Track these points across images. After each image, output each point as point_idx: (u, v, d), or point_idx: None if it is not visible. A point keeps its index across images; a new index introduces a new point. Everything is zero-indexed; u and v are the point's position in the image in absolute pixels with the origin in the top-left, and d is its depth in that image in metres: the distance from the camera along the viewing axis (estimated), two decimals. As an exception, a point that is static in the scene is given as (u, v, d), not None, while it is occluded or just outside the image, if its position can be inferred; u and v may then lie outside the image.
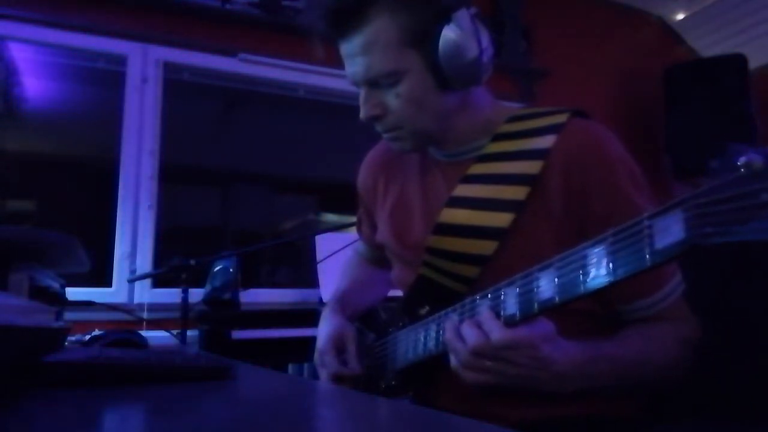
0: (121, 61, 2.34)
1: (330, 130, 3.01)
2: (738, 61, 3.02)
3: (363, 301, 1.09)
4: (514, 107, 0.91)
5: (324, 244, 2.22)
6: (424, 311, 0.83)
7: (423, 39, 0.76)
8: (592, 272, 0.55)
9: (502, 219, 0.77)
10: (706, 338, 0.75)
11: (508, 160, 0.80)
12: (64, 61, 2.34)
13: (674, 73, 3.18)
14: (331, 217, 2.56)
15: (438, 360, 0.77)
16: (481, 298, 0.69)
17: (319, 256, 2.23)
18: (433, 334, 0.77)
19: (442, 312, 0.77)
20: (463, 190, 0.83)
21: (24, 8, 2.14)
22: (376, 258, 1.13)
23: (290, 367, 2.10)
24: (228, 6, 2.44)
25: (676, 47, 3.70)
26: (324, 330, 0.97)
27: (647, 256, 0.50)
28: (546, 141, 0.77)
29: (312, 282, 2.30)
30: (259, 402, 0.56)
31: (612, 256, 0.53)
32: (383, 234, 0.97)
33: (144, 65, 2.35)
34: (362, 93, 0.82)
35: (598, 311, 0.78)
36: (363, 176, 1.05)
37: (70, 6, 2.22)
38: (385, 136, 0.86)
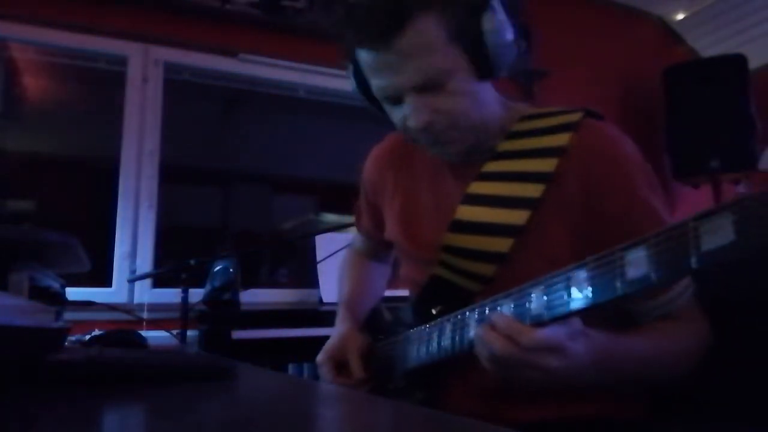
0: (121, 61, 2.34)
1: (330, 130, 3.01)
2: (738, 61, 3.02)
3: (368, 301, 1.09)
4: (523, 106, 0.90)
5: (324, 244, 2.22)
6: (436, 311, 0.82)
7: (467, 30, 0.74)
8: (630, 274, 0.52)
9: (518, 216, 0.76)
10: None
11: (523, 158, 0.80)
12: (64, 61, 2.34)
13: (674, 73, 3.18)
14: (331, 217, 2.56)
15: (449, 361, 0.77)
16: (505, 298, 0.67)
17: (319, 256, 2.23)
18: (448, 333, 0.75)
19: (458, 312, 0.75)
20: (478, 188, 0.82)
21: (24, 8, 2.14)
22: (374, 251, 1.12)
23: (290, 367, 2.10)
24: (228, 6, 2.44)
25: (676, 47, 3.70)
26: (329, 341, 0.97)
27: (693, 258, 0.47)
28: (561, 139, 0.77)
29: (312, 282, 2.30)
30: (259, 402, 0.56)
31: (654, 257, 0.51)
32: (393, 233, 0.96)
33: (144, 65, 2.35)
34: (408, 102, 0.76)
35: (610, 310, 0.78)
36: (369, 170, 1.03)
37: (70, 6, 2.22)
38: (434, 147, 0.81)
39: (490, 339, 0.62)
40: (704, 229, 0.47)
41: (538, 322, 0.61)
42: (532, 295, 0.62)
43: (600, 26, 3.54)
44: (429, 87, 0.75)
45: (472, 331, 0.69)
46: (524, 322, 0.62)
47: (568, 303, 0.58)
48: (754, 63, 3.06)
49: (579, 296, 0.57)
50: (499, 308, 0.67)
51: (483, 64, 0.76)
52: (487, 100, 0.82)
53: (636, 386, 0.77)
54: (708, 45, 3.56)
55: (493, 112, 0.83)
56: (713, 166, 3.00)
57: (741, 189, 3.45)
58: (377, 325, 1.01)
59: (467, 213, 0.82)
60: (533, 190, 0.76)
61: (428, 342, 0.80)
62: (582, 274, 0.57)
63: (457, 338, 0.74)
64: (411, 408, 0.51)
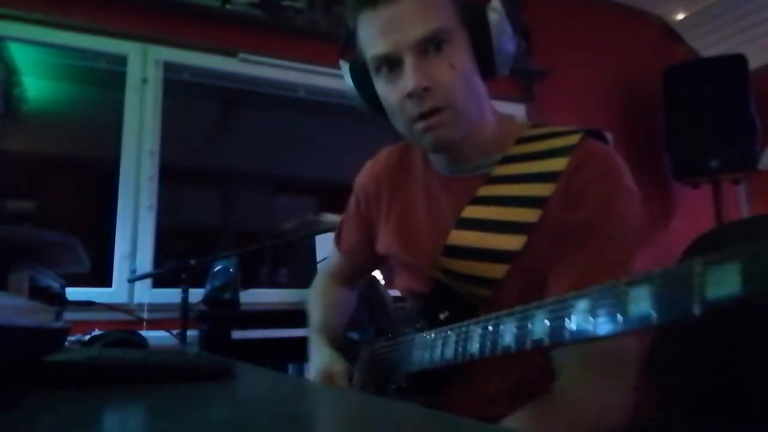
0: (121, 61, 2.34)
1: (330, 130, 3.01)
2: (738, 61, 3.02)
3: (339, 326, 1.08)
4: (520, 123, 0.89)
5: (324, 244, 2.22)
6: (443, 316, 0.81)
7: (469, 16, 0.76)
8: (632, 310, 0.51)
9: (514, 242, 0.75)
10: (708, 337, 0.75)
11: (520, 182, 0.78)
12: (64, 61, 2.34)
13: (674, 73, 3.19)
14: (331, 217, 2.55)
15: (453, 368, 0.75)
16: (508, 316, 0.65)
17: (319, 256, 2.23)
18: (452, 343, 0.74)
19: (465, 323, 0.73)
20: (472, 212, 0.81)
21: (24, 8, 2.14)
22: (348, 275, 1.10)
23: (290, 367, 2.10)
24: (228, 6, 2.44)
25: (676, 47, 3.71)
26: (313, 367, 0.97)
27: (695, 305, 0.45)
28: (558, 163, 0.76)
29: (312, 282, 2.30)
30: (259, 402, 0.56)
31: (657, 297, 0.49)
32: (389, 245, 0.94)
33: (144, 65, 2.35)
34: (408, 63, 0.74)
35: None
36: (365, 181, 1.01)
37: (70, 6, 2.22)
38: (423, 125, 0.77)
39: None
40: (711, 276, 0.45)
41: (540, 345, 0.59)
42: (535, 317, 0.61)
43: (600, 26, 3.54)
44: (429, 50, 0.74)
45: (475, 345, 0.69)
46: (526, 344, 0.60)
47: (565, 330, 0.57)
48: (754, 63, 3.06)
49: (585, 325, 0.55)
50: (501, 326, 0.65)
51: (481, 54, 0.77)
52: (483, 104, 0.81)
53: None
54: (708, 45, 3.56)
55: (489, 123, 0.83)
56: (713, 166, 3.01)
57: (741, 189, 3.46)
58: (387, 323, 1.01)
59: (461, 238, 0.80)
60: (530, 216, 0.75)
61: (432, 348, 0.79)
62: (585, 304, 0.56)
63: (460, 349, 0.72)
64: (411, 408, 0.51)
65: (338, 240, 1.11)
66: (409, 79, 0.74)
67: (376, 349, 0.98)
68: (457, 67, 0.75)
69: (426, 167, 0.92)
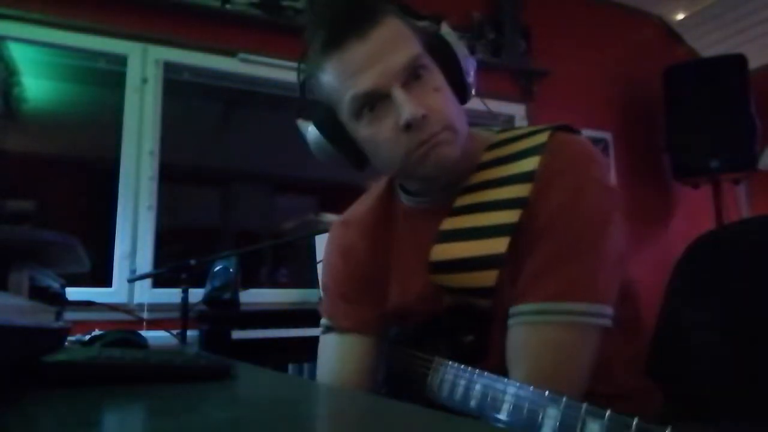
0: (121, 61, 2.34)
1: (330, 130, 3.01)
2: (738, 61, 3.03)
3: None
4: (487, 132, 0.87)
5: (324, 244, 2.22)
6: (467, 340, 0.78)
7: (431, 42, 0.76)
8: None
9: (498, 245, 0.73)
10: (712, 337, 0.75)
11: (496, 187, 0.77)
12: (64, 61, 2.34)
13: (674, 73, 3.19)
14: (331, 217, 2.55)
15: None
16: (552, 402, 0.58)
17: (319, 256, 2.23)
18: (477, 394, 0.68)
19: (493, 383, 0.66)
20: (450, 224, 0.78)
21: (24, 8, 2.14)
22: (359, 364, 0.88)
23: (290, 367, 2.10)
24: (228, 6, 2.44)
25: (676, 47, 3.71)
26: None
27: None
28: (531, 163, 0.75)
29: (312, 282, 2.30)
30: (259, 402, 0.56)
31: None
32: (397, 296, 0.88)
33: (144, 65, 2.35)
34: (398, 94, 0.71)
35: None
36: (350, 238, 0.93)
37: (70, 6, 2.22)
38: (423, 149, 0.73)
39: None
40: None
41: None
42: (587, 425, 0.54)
43: (600, 26, 3.54)
44: (411, 80, 0.72)
45: (504, 413, 0.62)
46: None
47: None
48: (754, 63, 3.06)
49: None
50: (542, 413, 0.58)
51: (452, 78, 0.77)
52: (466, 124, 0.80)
53: None
54: (708, 45, 3.57)
55: (467, 143, 0.80)
56: (713, 166, 3.01)
57: (741, 189, 3.46)
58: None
59: (443, 252, 0.78)
60: (510, 216, 0.73)
61: (453, 387, 0.73)
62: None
63: (488, 404, 0.66)
64: (411, 408, 0.51)
65: (337, 319, 0.91)
66: (405, 110, 0.70)
67: (397, 349, 0.94)
68: (440, 89, 0.74)
69: (403, 208, 0.89)
